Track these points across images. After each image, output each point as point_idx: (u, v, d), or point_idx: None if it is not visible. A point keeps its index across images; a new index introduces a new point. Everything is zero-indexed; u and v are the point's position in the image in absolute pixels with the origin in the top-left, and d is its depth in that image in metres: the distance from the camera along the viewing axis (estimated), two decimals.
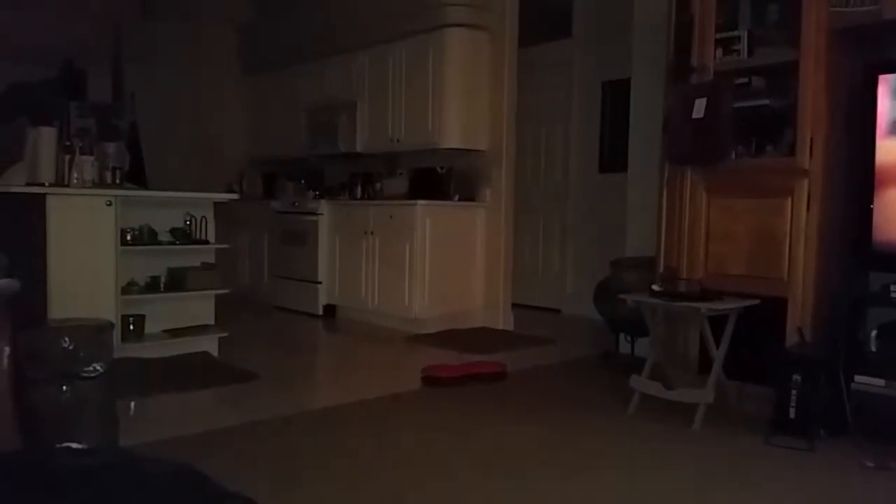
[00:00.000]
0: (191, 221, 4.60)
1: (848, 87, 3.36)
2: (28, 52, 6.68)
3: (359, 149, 6.46)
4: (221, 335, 4.62)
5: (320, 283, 6.25)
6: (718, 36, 3.66)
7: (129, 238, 4.25)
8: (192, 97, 7.52)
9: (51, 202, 3.87)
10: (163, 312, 4.46)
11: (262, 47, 7.67)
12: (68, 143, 4.30)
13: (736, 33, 3.62)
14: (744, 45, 3.59)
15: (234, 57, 7.99)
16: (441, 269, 5.57)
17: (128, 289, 4.25)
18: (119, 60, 7.49)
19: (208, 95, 7.66)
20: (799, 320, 3.32)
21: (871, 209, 3.22)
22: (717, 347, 3.34)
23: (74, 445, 2.30)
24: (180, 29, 7.36)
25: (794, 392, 3.08)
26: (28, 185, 4.03)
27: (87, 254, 3.98)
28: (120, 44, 7.44)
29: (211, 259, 4.72)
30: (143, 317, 4.33)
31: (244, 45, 7.94)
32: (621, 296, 3.60)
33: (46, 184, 4.03)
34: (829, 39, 3.27)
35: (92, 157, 4.35)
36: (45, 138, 4.13)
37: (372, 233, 5.83)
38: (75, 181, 4.13)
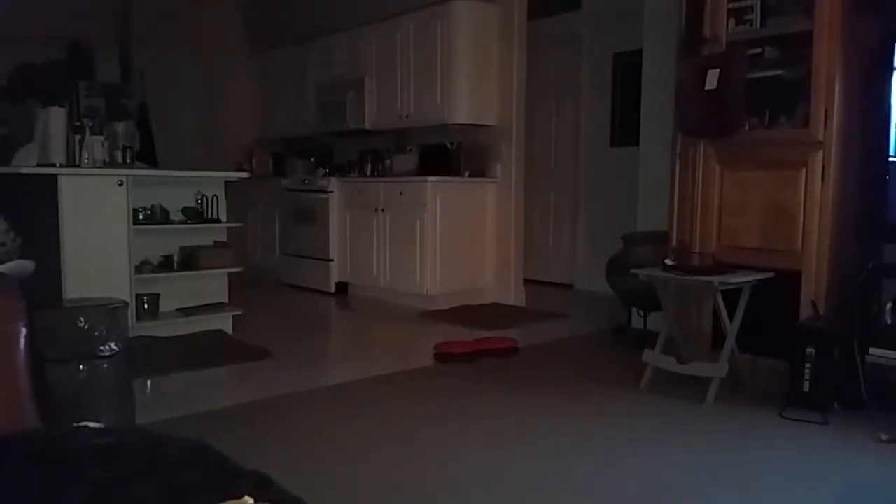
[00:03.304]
0: (202, 200, 4.61)
1: (863, 56, 3.31)
2: (36, 34, 6.66)
3: (368, 126, 6.43)
4: (235, 313, 4.65)
5: (332, 260, 6.26)
6: (731, 5, 3.60)
7: (141, 217, 4.27)
8: (200, 76, 7.50)
9: (62, 182, 3.88)
10: (176, 291, 4.49)
11: (270, 25, 7.62)
12: (78, 124, 4.31)
13: (749, 2, 3.56)
14: (757, 15, 3.53)
15: (242, 35, 7.94)
16: (452, 245, 5.57)
17: (141, 268, 4.28)
18: (127, 41, 7.47)
19: (217, 74, 7.64)
20: (813, 293, 3.30)
21: (887, 180, 3.19)
22: (731, 321, 3.33)
23: (91, 424, 2.32)
24: (187, 8, 7.32)
25: (808, 365, 3.07)
26: (39, 165, 4.04)
27: (100, 233, 4.00)
28: (128, 24, 7.41)
29: (223, 238, 4.73)
30: (157, 296, 4.36)
31: (252, 24, 7.89)
32: (634, 270, 3.58)
33: (57, 164, 4.04)
34: (843, 8, 3.20)
35: (102, 137, 4.37)
36: (55, 119, 4.14)
37: (382, 210, 5.82)
38: (86, 161, 4.14)
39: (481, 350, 4.04)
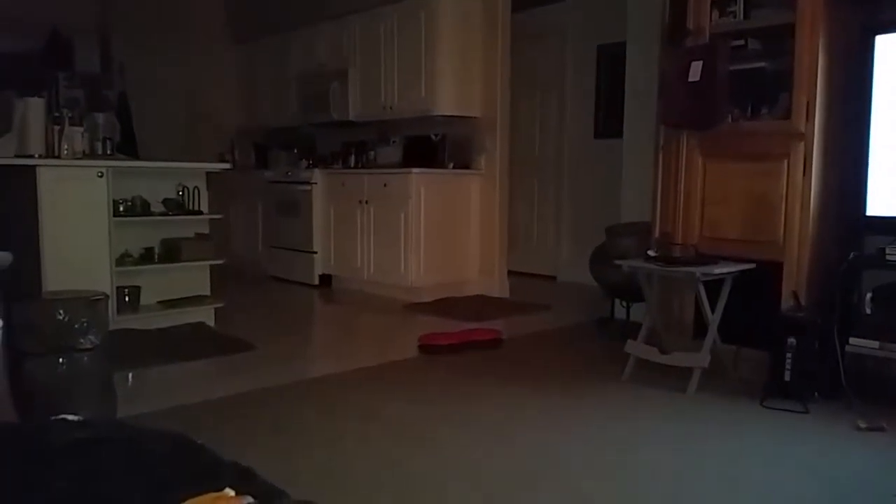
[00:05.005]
0: (183, 192, 4.57)
1: (845, 48, 3.33)
2: (13, 23, 6.56)
3: (351, 117, 6.40)
4: (217, 306, 4.62)
5: (315, 252, 6.23)
6: None
7: (121, 209, 4.22)
8: (182, 67, 7.41)
9: (42, 174, 3.83)
10: (158, 283, 4.45)
11: (252, 15, 7.55)
12: (57, 114, 4.25)
13: None
14: (740, 7, 3.55)
15: (224, 25, 7.86)
16: (436, 237, 5.56)
17: (122, 260, 4.24)
18: (107, 30, 7.37)
19: (199, 64, 7.55)
20: (794, 284, 3.33)
21: (867, 172, 3.21)
22: (713, 312, 3.35)
23: (69, 417, 2.30)
24: None
25: (789, 355, 3.09)
26: (17, 156, 3.98)
27: (80, 225, 3.95)
28: (108, 13, 7.32)
29: (205, 229, 4.69)
30: (138, 288, 4.32)
31: (234, 14, 7.82)
32: (617, 261, 3.59)
33: (36, 155, 3.98)
34: (826, 0, 3.22)
35: (82, 128, 4.31)
36: (34, 109, 4.08)
37: (366, 202, 5.80)
38: (66, 152, 4.09)
39: (466, 342, 4.04)
